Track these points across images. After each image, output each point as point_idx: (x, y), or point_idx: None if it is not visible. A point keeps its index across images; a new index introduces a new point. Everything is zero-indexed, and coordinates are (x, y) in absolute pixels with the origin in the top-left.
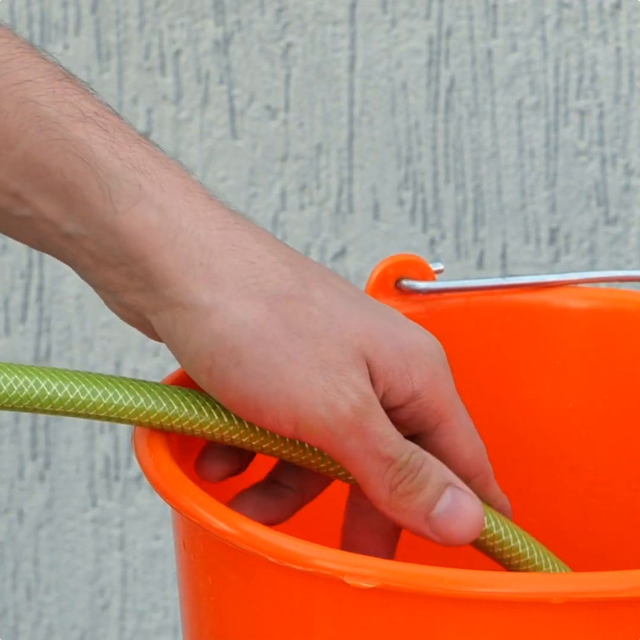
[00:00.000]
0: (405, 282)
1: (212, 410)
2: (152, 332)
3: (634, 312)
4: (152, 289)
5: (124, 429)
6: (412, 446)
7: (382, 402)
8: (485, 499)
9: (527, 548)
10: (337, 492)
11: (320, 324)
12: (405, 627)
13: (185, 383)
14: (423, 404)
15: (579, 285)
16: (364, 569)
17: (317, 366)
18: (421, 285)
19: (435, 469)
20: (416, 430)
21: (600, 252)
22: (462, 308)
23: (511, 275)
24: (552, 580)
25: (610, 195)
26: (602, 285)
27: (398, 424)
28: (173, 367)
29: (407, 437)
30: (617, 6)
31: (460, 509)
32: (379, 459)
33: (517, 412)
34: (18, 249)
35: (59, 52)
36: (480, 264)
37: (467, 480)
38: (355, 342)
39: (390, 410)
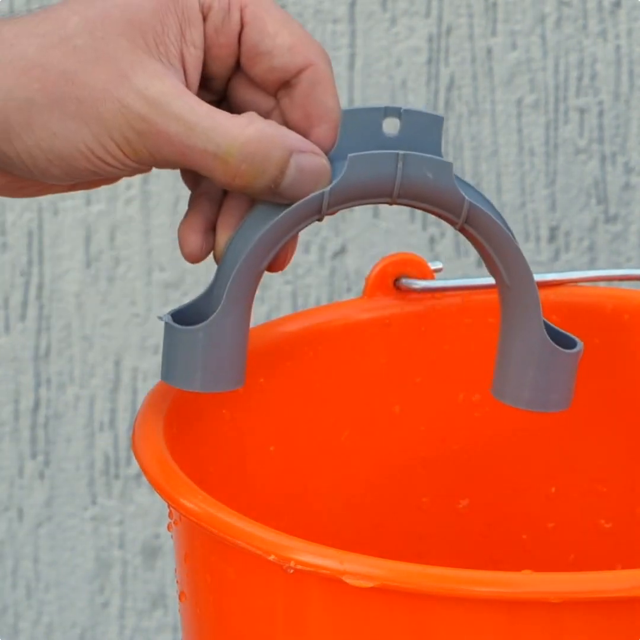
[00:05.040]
0: (404, 281)
1: None
2: None
3: (634, 311)
4: None
5: (123, 428)
6: (240, 123)
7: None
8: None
9: None
10: (338, 492)
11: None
12: (404, 627)
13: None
14: (216, 26)
15: (578, 283)
16: (364, 568)
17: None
18: (420, 284)
19: (274, 143)
20: (246, 63)
21: (600, 250)
22: (461, 306)
23: None
24: (552, 580)
25: (610, 193)
26: (602, 283)
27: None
28: None
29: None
30: (617, 4)
31: (305, 175)
32: (208, 157)
33: (516, 411)
34: (18, 247)
35: None
36: (479, 263)
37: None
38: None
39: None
